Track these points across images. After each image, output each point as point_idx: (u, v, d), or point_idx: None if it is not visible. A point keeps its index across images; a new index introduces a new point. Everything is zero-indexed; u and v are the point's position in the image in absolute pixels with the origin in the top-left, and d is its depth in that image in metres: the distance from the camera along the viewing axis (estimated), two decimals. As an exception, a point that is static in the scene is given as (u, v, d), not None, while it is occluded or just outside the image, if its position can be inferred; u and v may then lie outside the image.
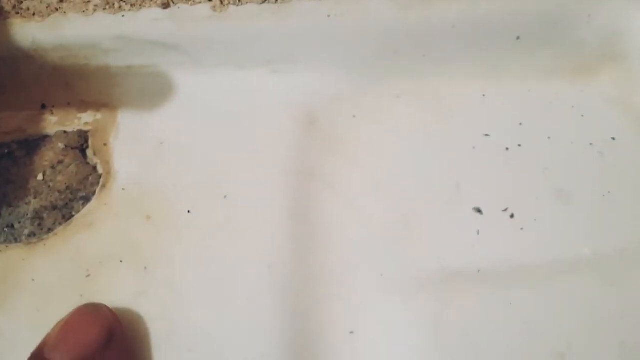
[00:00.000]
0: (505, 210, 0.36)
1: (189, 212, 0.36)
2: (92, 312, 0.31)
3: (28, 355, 0.28)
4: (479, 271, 0.34)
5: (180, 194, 0.37)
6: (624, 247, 0.34)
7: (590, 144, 0.38)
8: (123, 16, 0.39)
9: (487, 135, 0.39)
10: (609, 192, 0.36)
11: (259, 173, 0.38)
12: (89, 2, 0.39)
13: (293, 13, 0.40)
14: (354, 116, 0.40)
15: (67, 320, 0.30)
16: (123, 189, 0.37)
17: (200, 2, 0.40)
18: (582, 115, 0.39)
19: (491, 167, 0.38)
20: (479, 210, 0.36)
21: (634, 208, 0.35)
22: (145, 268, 0.34)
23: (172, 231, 0.35)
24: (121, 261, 0.34)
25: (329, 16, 0.40)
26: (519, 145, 0.38)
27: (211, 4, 0.40)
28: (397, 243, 0.35)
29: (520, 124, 0.39)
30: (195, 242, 0.35)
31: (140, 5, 0.40)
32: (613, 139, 0.38)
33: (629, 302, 0.32)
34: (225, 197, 0.36)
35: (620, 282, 0.33)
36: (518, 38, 0.41)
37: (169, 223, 0.36)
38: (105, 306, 0.31)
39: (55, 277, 0.34)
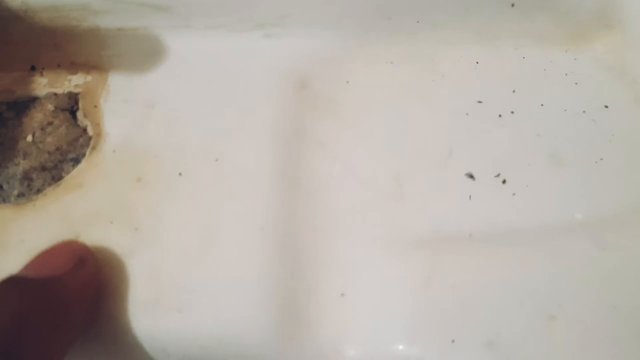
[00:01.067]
0: (498, 176, 0.36)
1: (180, 174, 0.36)
2: (65, 242, 0.33)
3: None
4: (470, 235, 0.34)
5: (171, 156, 0.36)
6: (615, 212, 0.34)
7: (584, 112, 0.38)
8: (114, -24, 0.38)
9: (480, 102, 0.38)
10: (601, 158, 0.36)
11: (250, 136, 0.37)
12: (79, -39, 0.39)
13: (286, -25, 0.39)
14: (347, 82, 0.40)
15: (45, 249, 0.32)
16: (113, 151, 0.37)
17: (191, -37, 0.40)
18: (576, 83, 0.39)
19: (484, 133, 0.37)
20: (471, 176, 0.36)
21: (625, 175, 0.35)
22: (136, 229, 0.34)
23: (163, 193, 0.35)
24: (111, 222, 0.34)
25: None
26: (512, 112, 0.38)
27: (204, -36, 0.40)
28: (388, 205, 0.35)
29: (514, 91, 0.39)
30: (186, 204, 0.35)
31: (130, -35, 0.39)
32: (606, 106, 0.38)
33: (620, 265, 0.32)
34: (216, 159, 0.36)
35: (611, 246, 0.33)
36: (513, 5, 0.40)
37: (159, 185, 0.35)
38: (76, 240, 0.33)
39: (44, 238, 0.34)
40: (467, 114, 0.38)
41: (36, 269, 0.31)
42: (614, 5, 0.40)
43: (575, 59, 0.40)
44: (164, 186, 0.35)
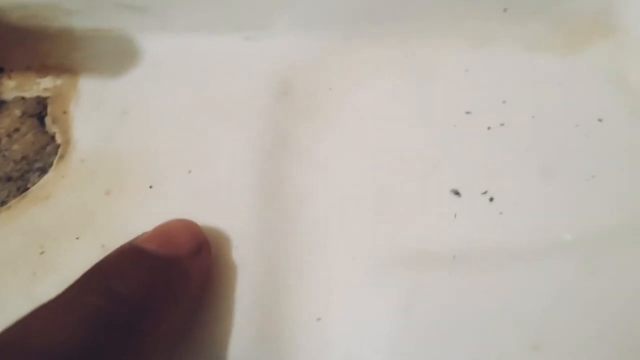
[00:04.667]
0: (485, 193, 0.34)
1: (150, 187, 0.34)
2: (185, 222, 0.32)
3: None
4: (454, 257, 0.32)
5: (143, 167, 0.35)
6: (605, 233, 0.32)
7: (576, 125, 0.36)
8: (86, -26, 0.36)
9: (468, 112, 0.37)
10: (592, 176, 0.34)
11: (227, 145, 0.36)
12: (47, -42, 0.37)
13: (268, -24, 0.37)
14: (330, 88, 0.38)
15: (160, 225, 0.31)
16: (82, 161, 0.35)
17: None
18: (569, 94, 0.37)
19: (471, 146, 0.36)
20: (456, 192, 0.34)
21: (616, 193, 0.33)
22: (103, 246, 0.32)
23: (132, 207, 0.34)
24: (77, 238, 0.33)
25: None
26: (502, 125, 0.36)
27: (182, -37, 0.38)
28: (369, 221, 0.34)
29: (504, 101, 0.37)
30: (157, 219, 0.33)
31: (105, -37, 0.37)
32: (600, 120, 0.36)
33: (608, 291, 0.31)
34: (189, 171, 0.34)
35: (600, 270, 0.31)
36: (505, 10, 0.38)
37: (129, 198, 0.34)
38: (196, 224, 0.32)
39: (7, 253, 0.32)
40: (454, 125, 0.36)
41: (158, 243, 0.30)
42: (613, 8, 0.38)
43: (569, 67, 0.38)
44: (133, 199, 0.34)
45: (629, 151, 0.35)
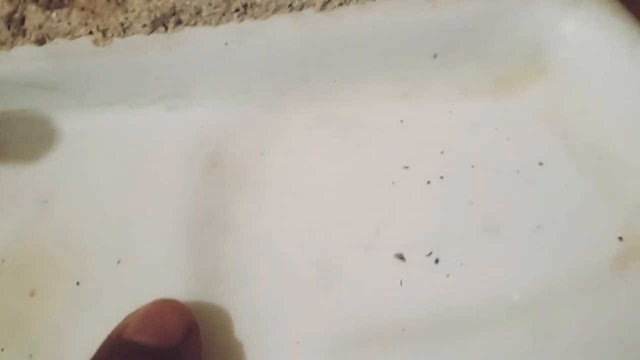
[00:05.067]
0: (430, 254, 0.32)
1: (77, 283, 0.32)
2: (171, 304, 0.30)
3: None
4: (403, 329, 0.31)
5: (69, 262, 0.33)
6: (555, 289, 0.31)
7: (517, 171, 0.35)
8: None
9: (406, 167, 0.35)
10: (538, 226, 0.33)
11: (157, 229, 0.34)
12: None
13: (186, 42, 0.36)
14: (261, 153, 0.36)
15: (147, 308, 0.29)
16: (2, 261, 0.32)
17: (80, 36, 0.35)
18: (507, 138, 0.36)
19: (412, 204, 0.34)
20: (401, 257, 0.32)
21: (562, 244, 0.33)
22: (31, 356, 0.30)
23: (60, 308, 0.31)
24: (2, 349, 0.30)
25: (226, 44, 0.36)
26: (441, 178, 0.35)
27: (92, 37, 0.36)
28: (312, 299, 0.32)
29: (442, 152, 0.36)
30: (86, 319, 0.31)
31: (11, 43, 0.35)
32: (540, 164, 0.35)
33: (561, 354, 0.29)
34: (119, 261, 0.32)
35: (551, 332, 0.30)
36: (435, 56, 0.37)
37: (56, 299, 0.32)
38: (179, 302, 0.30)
39: None
40: (393, 182, 0.35)
41: (150, 334, 0.28)
42: (543, 48, 0.37)
43: (505, 110, 0.37)
44: (60, 299, 0.32)
45: (571, 195, 0.35)
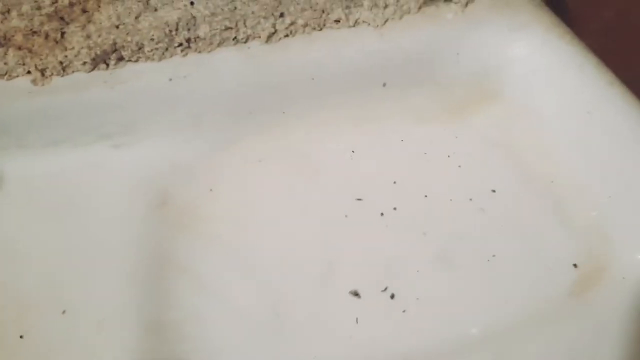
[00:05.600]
0: (385, 290, 0.32)
1: (21, 337, 0.30)
2: None
3: None
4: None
5: (11, 315, 0.31)
6: (513, 320, 0.31)
7: (470, 199, 0.35)
8: None
9: (359, 199, 0.35)
10: (493, 255, 0.33)
11: (104, 274, 0.33)
12: None
13: (128, 79, 0.35)
14: (211, 190, 0.35)
15: None
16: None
17: (17, 76, 0.34)
18: (459, 166, 0.36)
19: (366, 238, 0.34)
20: (356, 294, 0.32)
21: (520, 273, 0.32)
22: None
23: (4, 363, 0.30)
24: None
25: (170, 79, 0.35)
26: (395, 209, 0.34)
27: (30, 76, 0.34)
28: (266, 342, 0.31)
29: (395, 182, 0.35)
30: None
31: (-54, 84, 0.34)
32: (493, 191, 0.35)
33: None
34: (64, 312, 0.31)
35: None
36: (384, 85, 0.37)
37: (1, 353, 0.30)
38: None
39: None
40: (346, 215, 0.34)
41: None
42: (493, 74, 0.37)
43: (456, 137, 0.37)
44: (4, 354, 0.30)
45: (525, 223, 0.34)
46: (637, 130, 0.33)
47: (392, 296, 0.32)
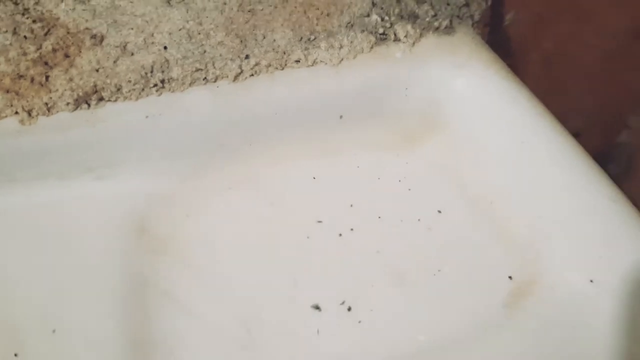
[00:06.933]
0: (343, 303, 0.36)
1: (15, 355, 0.34)
2: None
3: None
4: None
5: (4, 335, 0.34)
6: (455, 328, 0.35)
7: (419, 220, 0.39)
8: None
9: (320, 221, 0.39)
10: (439, 270, 0.37)
11: (90, 297, 0.36)
12: None
13: (108, 117, 0.39)
14: (187, 215, 0.39)
15: None
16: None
17: (6, 117, 0.38)
18: (409, 189, 0.40)
19: (326, 256, 0.38)
20: (317, 307, 0.36)
21: (462, 285, 0.36)
22: None
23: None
24: None
25: (146, 117, 0.39)
26: (352, 230, 0.38)
27: (18, 117, 0.38)
28: (239, 355, 0.35)
29: (351, 205, 0.39)
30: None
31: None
32: (439, 212, 0.39)
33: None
34: (54, 331, 0.35)
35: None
36: (341, 117, 0.41)
37: (-5, 371, 0.33)
38: None
39: None
40: (308, 237, 0.38)
41: None
42: (437, 107, 0.42)
43: (407, 164, 0.41)
44: (0, 371, 0.33)
45: (467, 240, 0.39)
46: (561, 158, 0.38)
47: (349, 309, 0.36)
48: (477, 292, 0.36)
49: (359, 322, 0.36)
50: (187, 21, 0.40)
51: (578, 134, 0.39)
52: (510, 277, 0.37)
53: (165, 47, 0.39)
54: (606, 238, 0.36)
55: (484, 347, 0.34)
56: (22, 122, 0.38)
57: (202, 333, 0.35)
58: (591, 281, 0.35)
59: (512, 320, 0.36)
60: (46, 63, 0.38)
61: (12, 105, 0.38)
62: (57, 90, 0.38)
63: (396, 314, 0.36)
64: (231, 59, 0.40)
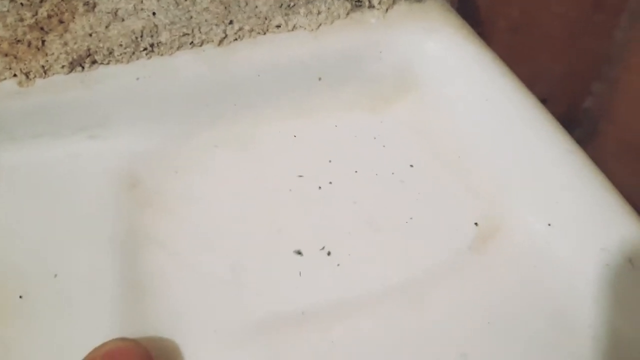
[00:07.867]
0: (323, 248, 0.39)
1: (20, 297, 0.37)
2: (129, 344, 0.31)
3: None
4: (303, 313, 0.37)
5: (9, 278, 0.37)
6: (425, 270, 0.39)
7: (392, 173, 0.42)
8: None
9: (301, 176, 0.42)
10: (410, 218, 0.40)
11: (86, 245, 0.39)
12: None
13: (102, 79, 0.42)
14: (176, 172, 0.42)
15: (109, 348, 0.31)
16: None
17: (5, 79, 0.41)
18: (384, 146, 0.43)
19: (307, 207, 0.41)
20: (299, 252, 0.39)
21: (431, 232, 0.40)
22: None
23: (5, 321, 0.36)
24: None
25: (137, 79, 0.41)
26: (330, 183, 0.42)
27: (16, 79, 0.41)
28: (228, 296, 0.38)
29: (330, 161, 0.43)
30: (32, 329, 0.36)
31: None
32: (411, 166, 0.42)
33: (432, 325, 0.37)
34: (55, 275, 0.37)
35: (424, 308, 0.37)
36: (320, 79, 0.44)
37: (1, 313, 0.36)
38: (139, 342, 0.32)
39: None
40: (290, 190, 0.41)
41: None
42: (409, 70, 0.45)
43: (381, 122, 0.45)
44: (5, 313, 0.36)
45: (437, 190, 0.42)
46: (523, 113, 0.41)
47: (329, 253, 0.40)
48: (445, 237, 0.40)
49: (338, 265, 0.39)
50: (174, -11, 0.42)
51: (545, 100, 0.43)
52: (476, 224, 0.40)
53: (154, 13, 0.41)
54: (562, 185, 0.39)
55: (452, 284, 0.38)
56: (20, 84, 0.40)
57: (190, 276, 0.38)
58: (549, 225, 0.39)
59: (477, 261, 0.39)
60: (42, 28, 0.41)
61: (10, 68, 0.40)
62: (52, 53, 0.41)
63: (371, 257, 0.39)
64: (216, 24, 0.42)
